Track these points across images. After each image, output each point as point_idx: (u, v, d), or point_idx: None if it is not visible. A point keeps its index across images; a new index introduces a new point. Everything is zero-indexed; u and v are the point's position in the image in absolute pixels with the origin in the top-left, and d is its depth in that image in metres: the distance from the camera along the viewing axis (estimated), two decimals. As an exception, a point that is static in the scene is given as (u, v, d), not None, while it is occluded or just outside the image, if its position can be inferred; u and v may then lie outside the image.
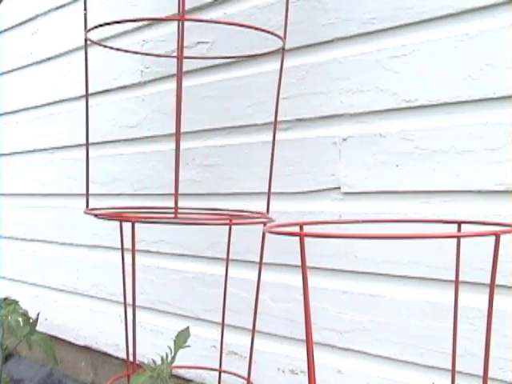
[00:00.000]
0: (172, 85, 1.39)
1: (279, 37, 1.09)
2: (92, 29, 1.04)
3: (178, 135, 0.91)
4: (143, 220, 1.03)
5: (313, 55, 1.29)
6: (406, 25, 1.14)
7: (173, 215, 0.95)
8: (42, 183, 2.13)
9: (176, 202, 0.94)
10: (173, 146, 1.32)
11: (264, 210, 1.20)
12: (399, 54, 1.15)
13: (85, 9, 1.05)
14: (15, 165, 2.29)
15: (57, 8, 2.02)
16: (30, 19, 2.12)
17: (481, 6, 1.04)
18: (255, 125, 1.40)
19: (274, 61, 1.30)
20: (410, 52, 1.13)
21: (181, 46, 1.31)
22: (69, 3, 1.96)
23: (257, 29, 1.08)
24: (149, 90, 1.67)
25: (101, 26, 1.02)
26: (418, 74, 1.12)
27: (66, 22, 1.97)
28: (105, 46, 1.20)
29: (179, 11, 1.32)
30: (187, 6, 1.38)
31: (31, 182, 2.18)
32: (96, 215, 1.07)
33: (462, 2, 1.06)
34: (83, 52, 1.93)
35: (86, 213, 1.07)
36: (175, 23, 1.44)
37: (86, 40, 1.07)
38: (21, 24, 2.18)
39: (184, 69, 1.32)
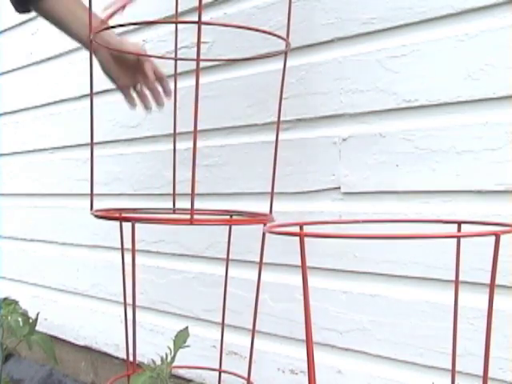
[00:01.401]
0: (172, 85, 1.39)
1: (284, 39, 1.09)
2: (98, 32, 1.04)
3: (195, 134, 0.92)
4: (143, 220, 1.03)
5: (313, 55, 1.29)
6: (406, 25, 1.14)
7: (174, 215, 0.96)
8: (41, 183, 2.13)
9: (192, 205, 0.94)
10: (172, 146, 1.32)
11: (264, 210, 1.20)
12: (399, 53, 1.15)
13: (90, 10, 1.05)
14: (15, 165, 2.29)
15: (57, 8, 2.01)
16: (30, 19, 2.12)
17: (481, 6, 1.04)
18: (255, 125, 1.40)
19: (274, 61, 1.30)
20: (409, 52, 1.13)
21: (176, 49, 1.31)
22: (69, 3, 1.96)
23: (259, 31, 1.08)
24: (149, 89, 1.66)
25: (106, 28, 1.02)
26: (418, 74, 1.12)
27: (66, 21, 1.97)
28: (110, 49, 1.20)
29: (176, 14, 1.32)
30: (187, 6, 1.38)
31: (31, 182, 2.18)
32: (96, 215, 1.07)
33: (462, 2, 1.06)
34: (83, 52, 1.92)
35: (91, 214, 1.07)
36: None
37: (91, 41, 1.08)
38: (21, 24, 2.18)
39: (184, 69, 1.32)
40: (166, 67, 1.57)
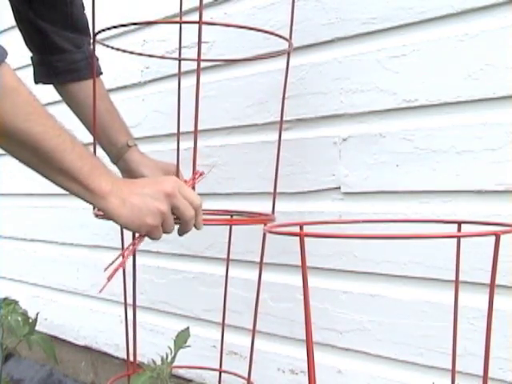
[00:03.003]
0: (172, 85, 1.39)
1: (286, 39, 1.09)
2: (100, 32, 1.04)
3: (195, 133, 0.92)
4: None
5: (313, 55, 1.29)
6: (406, 25, 1.14)
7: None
8: (41, 183, 2.12)
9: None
10: (172, 145, 1.32)
11: (264, 209, 1.19)
12: (399, 53, 1.15)
13: (93, 11, 1.05)
14: (15, 165, 2.28)
15: (57, 8, 2.01)
16: (30, 19, 2.12)
17: (481, 6, 1.04)
18: (255, 125, 1.40)
19: (274, 61, 1.30)
20: (410, 52, 1.13)
21: (180, 48, 1.31)
22: (69, 3, 1.96)
23: (261, 31, 1.08)
24: (149, 89, 1.66)
25: (108, 29, 1.02)
26: (418, 74, 1.12)
27: (66, 21, 1.97)
28: (112, 48, 1.20)
29: (180, 13, 1.32)
30: (187, 6, 1.38)
31: (31, 181, 2.18)
32: (96, 215, 1.07)
33: (462, 2, 1.06)
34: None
35: (94, 213, 1.08)
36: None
37: (94, 41, 1.08)
38: (21, 24, 2.18)
39: (185, 69, 1.33)
40: (167, 67, 1.57)
